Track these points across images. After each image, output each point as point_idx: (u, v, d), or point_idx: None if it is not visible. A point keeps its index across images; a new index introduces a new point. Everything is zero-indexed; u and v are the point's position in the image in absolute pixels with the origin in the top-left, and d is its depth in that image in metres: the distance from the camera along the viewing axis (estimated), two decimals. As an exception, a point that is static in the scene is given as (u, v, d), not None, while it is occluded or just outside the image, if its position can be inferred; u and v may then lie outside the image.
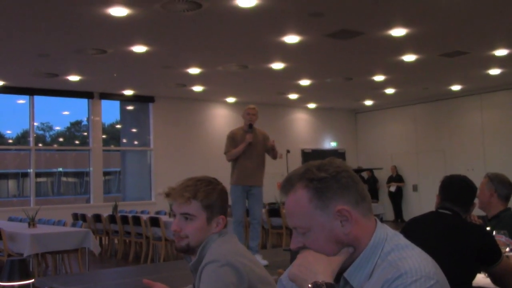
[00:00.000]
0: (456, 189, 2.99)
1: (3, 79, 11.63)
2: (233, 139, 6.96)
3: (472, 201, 3.03)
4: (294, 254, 1.52)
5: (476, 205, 3.10)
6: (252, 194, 6.93)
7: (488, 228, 3.38)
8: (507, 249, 3.09)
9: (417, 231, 2.81)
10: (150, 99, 14.17)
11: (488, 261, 2.74)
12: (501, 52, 10.38)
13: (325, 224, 1.42)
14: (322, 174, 1.44)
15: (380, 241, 1.44)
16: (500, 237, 3.12)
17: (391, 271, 1.36)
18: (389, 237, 1.45)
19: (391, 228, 1.50)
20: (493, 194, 3.65)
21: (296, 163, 14.45)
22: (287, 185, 1.49)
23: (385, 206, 16.37)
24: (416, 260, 1.37)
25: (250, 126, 6.98)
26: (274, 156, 7.16)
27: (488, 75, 12.67)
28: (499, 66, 11.83)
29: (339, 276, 1.44)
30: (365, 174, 17.08)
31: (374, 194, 16.72)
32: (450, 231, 2.81)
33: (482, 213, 3.82)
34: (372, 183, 17.00)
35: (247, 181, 6.84)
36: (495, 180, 3.68)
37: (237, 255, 2.11)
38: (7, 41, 8.65)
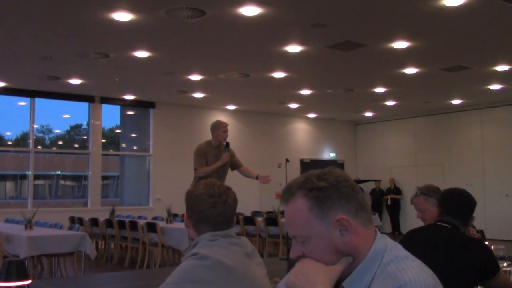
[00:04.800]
0: (456, 203, 2.99)
1: (4, 81, 11.64)
2: (204, 155, 6.79)
3: (471, 214, 3.03)
4: (291, 263, 1.51)
5: (474, 218, 3.10)
6: None
7: None
8: (505, 264, 3.09)
9: (416, 243, 2.81)
10: (151, 105, 14.18)
11: (486, 276, 2.74)
12: (502, 67, 10.41)
13: (325, 233, 1.42)
14: (322, 183, 1.44)
15: (379, 251, 1.43)
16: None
17: (390, 282, 1.36)
18: (388, 248, 1.45)
19: (391, 239, 1.50)
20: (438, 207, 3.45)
21: (294, 173, 14.43)
22: (287, 194, 1.49)
23: (383, 218, 16.36)
24: (415, 272, 1.37)
25: (227, 144, 6.85)
26: (245, 174, 7.10)
27: (489, 90, 12.70)
28: (500, 82, 11.86)
29: (337, 285, 1.43)
30: (372, 185, 17.06)
31: (379, 206, 16.70)
32: (450, 244, 2.81)
33: (478, 228, 3.80)
34: (379, 195, 16.97)
35: None
36: (432, 192, 3.51)
37: (216, 254, 2.18)
38: (10, 43, 8.66)
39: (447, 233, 2.89)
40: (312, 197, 1.43)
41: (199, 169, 6.76)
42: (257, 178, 6.93)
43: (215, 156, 6.80)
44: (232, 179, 7.39)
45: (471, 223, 3.11)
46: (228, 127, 7.04)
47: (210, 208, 2.29)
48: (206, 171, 6.69)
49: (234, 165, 7.06)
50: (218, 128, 6.89)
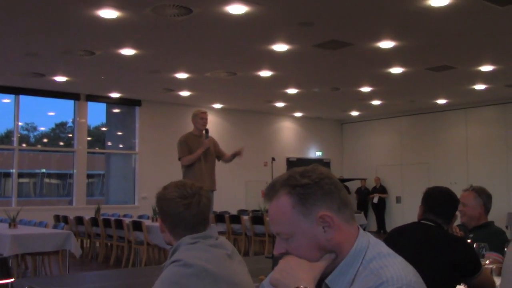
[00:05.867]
0: (439, 201, 3.02)
1: (-12, 78, 11.53)
2: (187, 144, 6.98)
3: (454, 213, 3.06)
4: (276, 261, 1.52)
5: (457, 217, 3.13)
6: None
7: (469, 240, 3.41)
8: (487, 262, 3.13)
9: (399, 241, 2.83)
10: (137, 103, 14.13)
11: (468, 273, 2.77)
12: (486, 68, 10.50)
13: (308, 230, 1.43)
14: (305, 181, 1.45)
15: (362, 248, 1.45)
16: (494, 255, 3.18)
17: (372, 278, 1.37)
18: (371, 245, 1.46)
19: (373, 236, 1.51)
20: (482, 208, 3.68)
21: (280, 171, 14.26)
22: (271, 191, 1.50)
23: (368, 216, 16.43)
24: (397, 269, 1.38)
25: (207, 131, 7.04)
26: (227, 160, 7.28)
27: (474, 90, 12.80)
28: (484, 82, 11.96)
29: (320, 282, 1.44)
30: (358, 184, 17.14)
31: (364, 205, 16.77)
32: (433, 242, 2.84)
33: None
34: (365, 194, 17.03)
35: (204, 186, 6.80)
36: (483, 194, 3.70)
37: (201, 260, 2.10)
38: (-5, 39, 8.59)
39: (430, 231, 2.92)
40: (295, 194, 1.44)
41: (183, 158, 6.96)
42: (235, 155, 7.19)
43: (199, 145, 7.00)
44: (220, 178, 7.46)
45: (454, 222, 3.15)
46: (209, 118, 7.36)
47: (185, 210, 2.20)
48: (190, 159, 6.90)
49: (219, 155, 7.25)
50: (196, 115, 7.15)
